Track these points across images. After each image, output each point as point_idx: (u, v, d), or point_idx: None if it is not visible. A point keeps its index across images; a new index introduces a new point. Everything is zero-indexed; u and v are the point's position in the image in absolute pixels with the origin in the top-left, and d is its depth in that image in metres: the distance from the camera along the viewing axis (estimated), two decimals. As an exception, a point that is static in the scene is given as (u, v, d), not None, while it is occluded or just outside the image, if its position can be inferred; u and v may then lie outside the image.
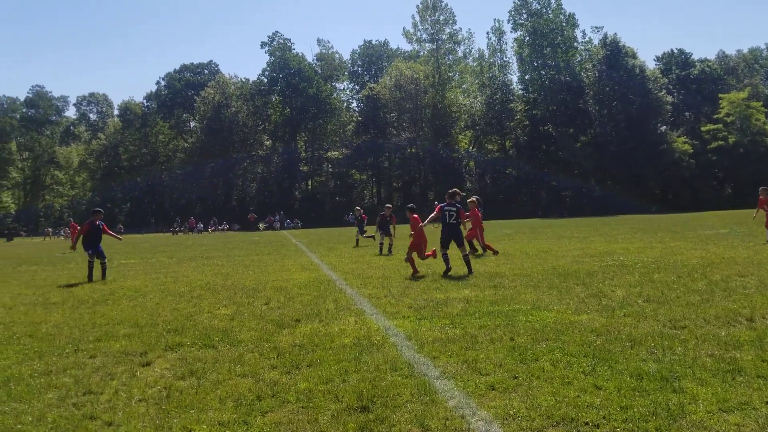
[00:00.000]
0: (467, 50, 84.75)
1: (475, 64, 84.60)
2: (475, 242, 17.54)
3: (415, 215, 14.26)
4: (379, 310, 8.71)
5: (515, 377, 5.16)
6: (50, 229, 73.83)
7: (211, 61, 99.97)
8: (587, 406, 4.42)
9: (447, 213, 13.07)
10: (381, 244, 20.53)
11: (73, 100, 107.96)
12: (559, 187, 74.58)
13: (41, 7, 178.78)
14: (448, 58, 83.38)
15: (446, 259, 12.87)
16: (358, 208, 28.22)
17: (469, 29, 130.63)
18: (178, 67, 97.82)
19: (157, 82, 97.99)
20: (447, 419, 4.29)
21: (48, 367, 6.17)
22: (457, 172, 79.98)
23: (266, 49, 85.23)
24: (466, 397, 4.72)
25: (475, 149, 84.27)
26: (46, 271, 18.52)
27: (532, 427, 4.11)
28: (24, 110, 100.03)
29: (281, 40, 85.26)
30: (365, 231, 25.33)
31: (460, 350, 6.15)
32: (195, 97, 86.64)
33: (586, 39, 79.28)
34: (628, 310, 7.87)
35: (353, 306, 9.21)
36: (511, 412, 4.38)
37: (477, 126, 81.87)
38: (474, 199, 17.84)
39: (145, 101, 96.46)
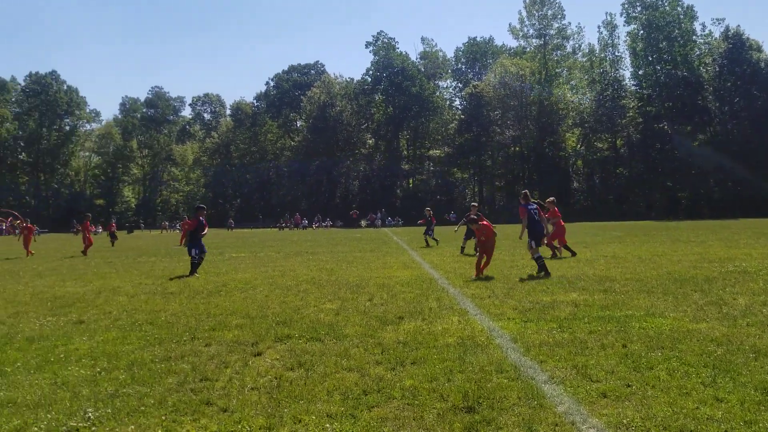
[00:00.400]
0: (576, 45, 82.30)
1: (584, 60, 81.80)
2: (555, 242, 17.21)
3: (485, 221, 13.55)
4: (483, 311, 8.60)
5: (629, 385, 4.94)
6: (167, 223, 78.60)
7: (318, 61, 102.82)
8: (707, 418, 4.16)
9: (532, 212, 13.30)
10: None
11: (188, 100, 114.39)
12: (675, 188, 70.66)
13: (161, 16, 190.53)
14: (556, 54, 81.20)
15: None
16: (428, 208, 27.62)
17: (579, 23, 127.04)
18: (286, 68, 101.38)
19: (267, 83, 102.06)
20: (556, 425, 4.17)
21: (167, 354, 6.54)
22: (563, 171, 77.72)
23: (371, 48, 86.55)
24: (576, 404, 4.57)
25: (583, 148, 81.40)
26: (164, 262, 19.68)
27: (647, 439, 3.92)
28: (144, 110, 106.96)
29: (385, 40, 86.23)
30: (432, 232, 25.10)
31: (569, 355, 5.96)
32: (302, 97, 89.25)
33: (706, 32, 74.63)
34: (752, 320, 7.33)
35: (456, 305, 9.15)
36: (624, 421, 4.19)
37: (586, 123, 79.01)
38: (552, 199, 17.81)
39: (254, 101, 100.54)
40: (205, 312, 9.13)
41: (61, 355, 6.57)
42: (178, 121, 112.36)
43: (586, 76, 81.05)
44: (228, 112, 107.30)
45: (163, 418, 4.55)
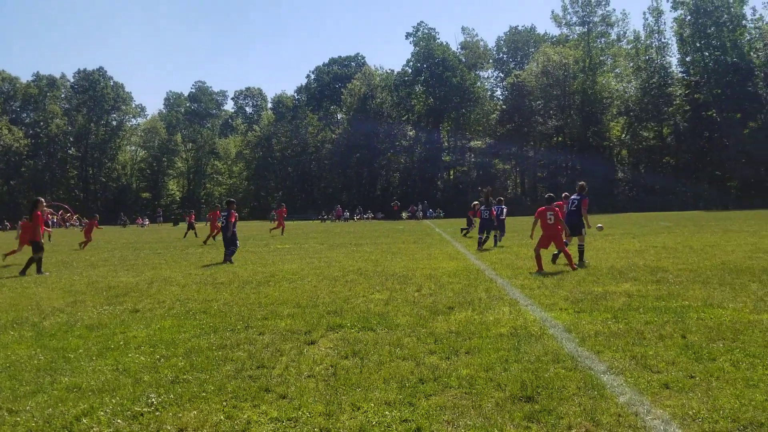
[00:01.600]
0: (621, 32, 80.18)
1: (629, 47, 79.78)
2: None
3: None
4: (534, 301, 8.52)
5: (692, 376, 4.83)
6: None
7: (358, 53, 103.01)
8: (778, 412, 4.04)
9: (570, 202, 13.77)
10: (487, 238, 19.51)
11: (231, 94, 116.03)
12: (724, 177, 68.60)
13: (203, 12, 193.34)
14: (600, 42, 79.44)
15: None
16: (476, 202, 26.49)
17: (624, 10, 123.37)
18: (326, 61, 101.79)
19: (307, 76, 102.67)
20: (619, 415, 4.10)
21: (223, 342, 6.66)
22: (608, 161, 76.11)
23: (411, 39, 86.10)
24: (638, 394, 4.49)
25: (628, 137, 79.53)
26: (211, 253, 20.02)
27: (714, 430, 3.83)
28: (188, 104, 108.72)
29: (426, 30, 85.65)
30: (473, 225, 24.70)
31: (627, 345, 5.86)
32: (342, 90, 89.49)
33: (757, 16, 71.90)
34: (818, 312, 7.09)
35: (506, 296, 9.09)
36: (690, 412, 4.10)
37: (631, 112, 77.16)
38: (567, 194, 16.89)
39: (295, 94, 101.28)
40: (256, 302, 9.26)
41: (121, 343, 6.75)
42: (221, 115, 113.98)
43: (631, 64, 79.08)
44: (269, 105, 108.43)
45: (224, 404, 4.64)
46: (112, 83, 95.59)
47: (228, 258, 16.27)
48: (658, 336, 6.19)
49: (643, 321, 6.93)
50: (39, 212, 14.95)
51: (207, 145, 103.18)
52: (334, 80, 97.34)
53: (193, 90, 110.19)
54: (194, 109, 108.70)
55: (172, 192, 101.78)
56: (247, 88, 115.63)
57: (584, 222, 13.26)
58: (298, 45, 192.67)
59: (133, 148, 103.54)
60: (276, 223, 24.52)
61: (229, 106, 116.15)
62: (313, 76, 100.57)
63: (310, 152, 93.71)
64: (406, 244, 21.60)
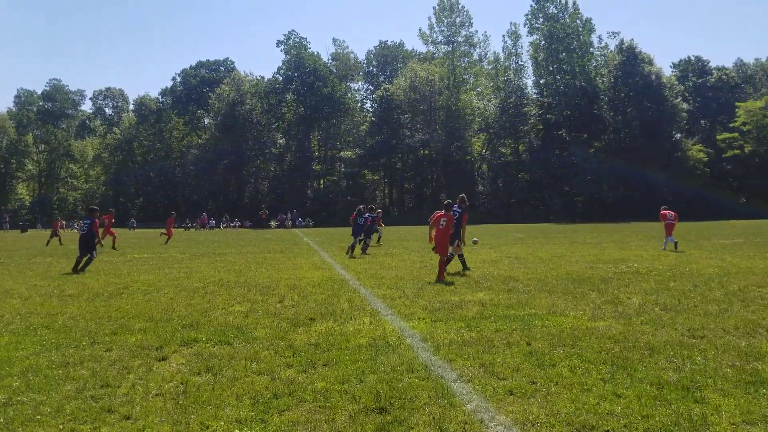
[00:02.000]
0: (483, 53, 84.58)
1: (490, 67, 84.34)
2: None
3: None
4: (394, 311, 8.68)
5: (533, 382, 5.12)
6: (63, 222, 74.32)
7: (227, 58, 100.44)
8: (608, 414, 4.38)
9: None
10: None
11: (89, 94, 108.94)
12: (572, 192, 74.22)
13: (60, 4, 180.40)
14: (463, 61, 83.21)
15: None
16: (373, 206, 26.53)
17: (485, 32, 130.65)
18: (194, 64, 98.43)
19: (173, 78, 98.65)
20: (466, 423, 4.26)
21: (65, 359, 6.19)
22: (469, 174, 79.70)
23: (282, 47, 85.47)
24: (485, 401, 4.69)
25: (488, 152, 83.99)
26: (61, 263, 18.61)
27: (551, 434, 4.08)
28: (41, 103, 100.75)
29: (297, 39, 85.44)
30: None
31: (477, 353, 6.12)
32: (210, 94, 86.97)
33: (602, 44, 78.96)
34: (646, 318, 7.80)
35: (367, 306, 9.19)
36: (530, 417, 4.34)
37: (491, 129, 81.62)
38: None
39: (160, 97, 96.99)
40: (106, 315, 8.71)
41: (-57, 364, 6.08)
42: (78, 116, 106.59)
43: (491, 83, 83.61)
44: (131, 107, 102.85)
45: (61, 426, 4.31)
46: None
47: (80, 266, 15.26)
48: (506, 343, 6.52)
49: (494, 329, 7.28)
50: None
51: (61, 147, 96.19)
52: (201, 84, 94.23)
53: (48, 88, 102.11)
54: (48, 109, 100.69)
55: (21, 196, 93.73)
56: (107, 89, 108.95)
57: (461, 234, 13.82)
58: (163, 46, 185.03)
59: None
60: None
61: (87, 107, 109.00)
62: (179, 79, 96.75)
63: (174, 157, 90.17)
64: (272, 254, 21.30)
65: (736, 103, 76.61)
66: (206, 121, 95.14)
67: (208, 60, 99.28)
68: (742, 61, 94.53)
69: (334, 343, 6.73)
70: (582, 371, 5.43)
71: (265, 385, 5.19)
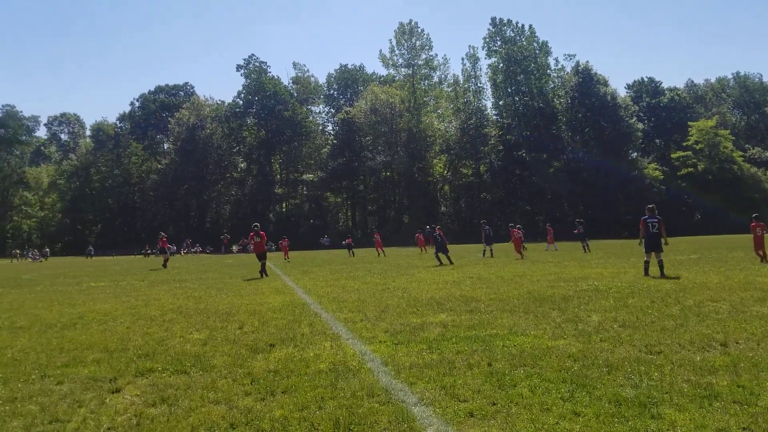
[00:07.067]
0: (443, 76, 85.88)
1: (450, 90, 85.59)
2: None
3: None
4: (355, 335, 8.60)
5: (494, 404, 5.11)
6: (17, 251, 72.23)
7: (187, 83, 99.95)
8: (567, 433, 4.38)
9: (650, 224, 16.44)
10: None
11: (44, 120, 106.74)
12: (533, 211, 75.28)
13: (13, 26, 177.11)
14: (424, 83, 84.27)
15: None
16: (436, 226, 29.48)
17: (445, 55, 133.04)
18: (153, 88, 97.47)
19: (131, 103, 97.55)
20: (426, 447, 4.21)
21: (13, 394, 5.96)
22: (431, 195, 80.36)
23: (242, 71, 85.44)
24: (445, 425, 4.65)
25: (449, 173, 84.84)
26: (12, 294, 18.01)
27: (511, 455, 4.06)
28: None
29: (257, 63, 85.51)
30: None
31: (438, 376, 6.08)
32: (169, 119, 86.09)
33: (559, 66, 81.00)
34: (605, 335, 7.87)
35: (329, 330, 9.09)
36: (490, 439, 4.32)
37: (452, 150, 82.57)
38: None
39: (118, 122, 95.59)
40: (58, 347, 8.42)
41: None
42: (32, 142, 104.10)
43: (451, 105, 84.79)
44: (88, 133, 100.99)
45: (4, 468, 4.11)
46: None
47: None
48: (467, 365, 6.50)
49: (455, 350, 7.25)
50: None
51: (15, 174, 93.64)
52: (161, 109, 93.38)
53: (0, 114, 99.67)
54: (1, 135, 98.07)
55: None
56: (63, 114, 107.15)
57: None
58: (121, 70, 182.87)
59: None
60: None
61: (42, 133, 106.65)
62: (137, 104, 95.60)
63: (133, 183, 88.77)
64: (233, 279, 21.00)
65: (689, 123, 79.17)
66: (166, 146, 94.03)
67: (167, 84, 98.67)
68: (692, 81, 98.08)
69: (293, 369, 6.62)
70: (542, 391, 5.43)
71: (222, 414, 5.06)
